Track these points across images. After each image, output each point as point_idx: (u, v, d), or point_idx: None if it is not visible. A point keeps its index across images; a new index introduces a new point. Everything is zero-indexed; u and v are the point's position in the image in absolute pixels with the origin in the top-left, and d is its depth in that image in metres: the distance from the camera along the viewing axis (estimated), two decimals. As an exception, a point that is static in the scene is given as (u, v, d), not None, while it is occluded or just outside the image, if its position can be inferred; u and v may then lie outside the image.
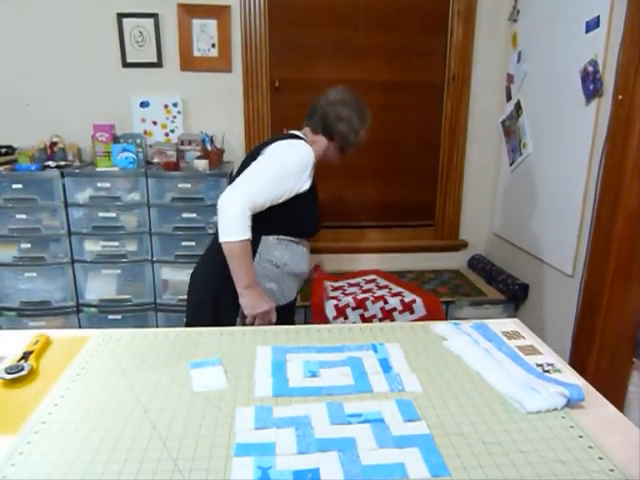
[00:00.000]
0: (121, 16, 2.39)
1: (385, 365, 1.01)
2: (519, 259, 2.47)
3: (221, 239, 1.40)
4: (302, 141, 1.57)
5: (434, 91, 2.68)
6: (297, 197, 1.50)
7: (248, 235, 1.40)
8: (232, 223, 1.39)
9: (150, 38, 2.43)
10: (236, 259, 1.41)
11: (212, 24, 2.44)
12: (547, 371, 0.99)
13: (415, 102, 2.69)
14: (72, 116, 2.46)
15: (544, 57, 2.20)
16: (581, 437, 0.80)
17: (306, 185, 1.51)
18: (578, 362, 1.90)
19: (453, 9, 2.56)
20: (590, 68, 1.85)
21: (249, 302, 1.43)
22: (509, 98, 2.52)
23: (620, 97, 1.72)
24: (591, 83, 1.86)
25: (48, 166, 2.24)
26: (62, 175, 2.20)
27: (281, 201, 1.47)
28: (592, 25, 1.85)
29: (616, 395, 1.84)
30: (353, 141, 1.65)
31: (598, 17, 1.82)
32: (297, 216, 1.54)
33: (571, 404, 0.88)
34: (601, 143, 1.82)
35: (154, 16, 2.41)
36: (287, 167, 1.47)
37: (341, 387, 0.93)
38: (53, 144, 2.38)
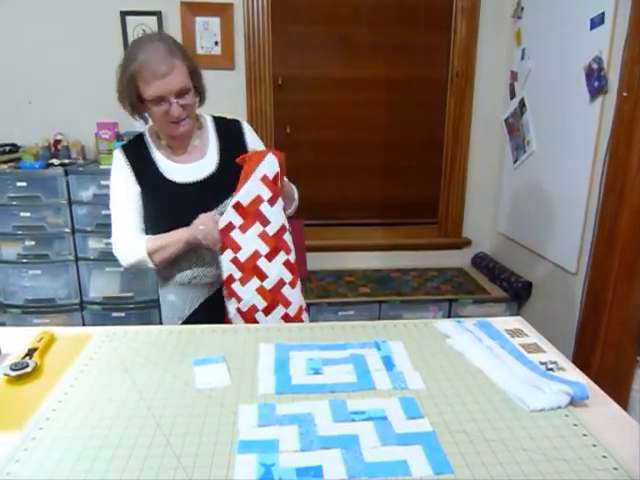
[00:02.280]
0: (124, 14, 2.40)
1: (388, 363, 1.01)
2: (523, 257, 2.46)
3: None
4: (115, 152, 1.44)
5: (437, 88, 2.67)
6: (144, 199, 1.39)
7: (140, 253, 1.34)
8: (130, 262, 1.38)
9: (153, 36, 2.43)
10: (160, 254, 1.34)
11: (215, 22, 2.44)
12: (550, 369, 0.99)
13: (418, 99, 2.69)
14: (75, 114, 2.46)
15: (548, 54, 2.19)
16: (585, 435, 0.80)
17: (129, 187, 1.38)
18: (582, 360, 1.89)
19: (457, 6, 2.55)
20: (595, 65, 1.85)
21: (202, 235, 1.30)
22: (513, 95, 2.51)
23: (625, 94, 1.71)
24: (596, 80, 1.85)
25: (52, 164, 2.24)
26: (66, 173, 2.20)
27: (133, 213, 1.39)
28: (597, 22, 1.84)
29: (620, 393, 1.84)
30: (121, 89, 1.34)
31: (603, 14, 1.80)
32: (151, 216, 1.40)
33: (575, 402, 0.88)
34: (605, 140, 1.81)
35: (157, 14, 2.41)
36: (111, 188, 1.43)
37: (344, 384, 0.93)
38: (57, 142, 2.39)
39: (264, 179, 1.31)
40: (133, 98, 1.32)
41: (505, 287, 2.48)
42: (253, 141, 1.50)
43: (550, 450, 0.77)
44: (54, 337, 1.12)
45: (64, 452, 0.76)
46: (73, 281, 2.30)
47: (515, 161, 2.50)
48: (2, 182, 2.19)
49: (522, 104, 2.41)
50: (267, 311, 1.34)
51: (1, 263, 2.27)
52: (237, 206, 1.30)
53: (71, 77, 2.44)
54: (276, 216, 1.33)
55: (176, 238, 1.33)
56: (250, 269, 1.32)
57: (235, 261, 1.31)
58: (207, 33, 2.45)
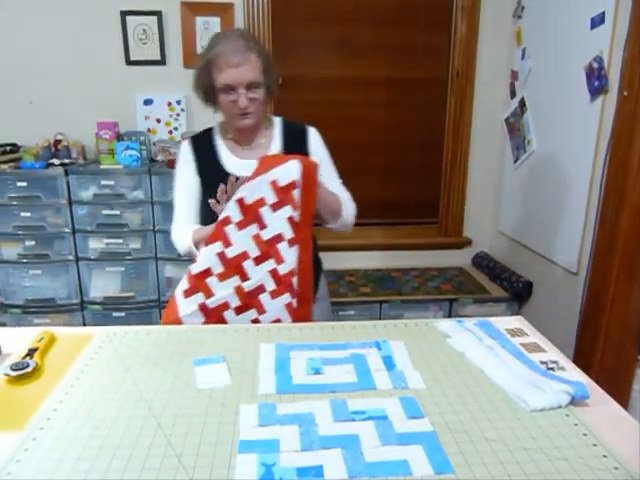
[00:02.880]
0: (125, 14, 2.40)
1: (388, 362, 1.01)
2: (523, 257, 2.46)
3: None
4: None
5: (438, 88, 2.67)
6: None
7: (187, 243, 1.39)
8: (180, 251, 1.44)
9: (154, 36, 2.43)
10: (198, 241, 1.37)
11: (215, 22, 2.44)
12: (551, 369, 0.99)
13: (418, 99, 2.69)
14: (76, 114, 2.47)
15: (549, 54, 2.18)
16: (585, 435, 0.80)
17: (190, 178, 1.45)
18: (582, 360, 1.89)
19: (457, 5, 2.55)
20: (595, 64, 1.84)
21: None
22: (513, 95, 2.51)
23: (625, 93, 1.71)
24: (596, 80, 1.85)
25: (52, 164, 2.24)
26: (66, 173, 2.21)
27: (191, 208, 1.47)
28: (597, 21, 1.84)
29: (621, 393, 1.84)
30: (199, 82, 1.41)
31: (603, 13, 1.80)
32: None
33: (575, 402, 0.88)
34: (606, 140, 1.81)
35: (157, 14, 2.41)
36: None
37: (344, 384, 0.93)
38: (57, 142, 2.39)
39: (273, 183, 1.28)
40: (207, 85, 1.38)
41: (506, 287, 2.48)
42: (316, 148, 1.49)
43: (551, 450, 0.76)
44: (54, 337, 1.11)
45: (65, 452, 0.76)
46: (73, 281, 2.30)
47: (515, 161, 2.50)
48: (2, 182, 2.19)
49: (522, 104, 2.41)
50: (239, 311, 1.30)
51: (1, 263, 2.27)
52: (240, 201, 1.28)
53: (71, 77, 2.44)
54: (276, 223, 1.29)
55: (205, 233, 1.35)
56: (234, 267, 1.29)
57: (221, 256, 1.28)
58: (207, 33, 2.45)
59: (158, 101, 2.49)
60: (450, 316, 2.43)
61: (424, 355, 1.05)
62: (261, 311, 1.32)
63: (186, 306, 1.29)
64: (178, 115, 2.51)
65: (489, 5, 2.55)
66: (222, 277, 1.29)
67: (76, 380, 0.95)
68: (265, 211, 1.28)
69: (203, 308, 1.29)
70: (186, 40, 2.44)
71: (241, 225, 1.28)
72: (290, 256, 1.31)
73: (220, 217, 1.28)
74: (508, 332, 1.14)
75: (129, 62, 2.45)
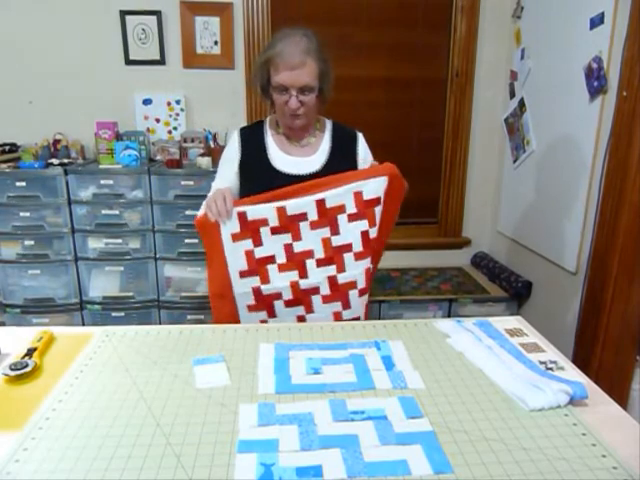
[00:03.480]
0: (124, 13, 2.39)
1: (388, 362, 1.01)
2: (522, 256, 2.46)
3: None
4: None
5: (437, 88, 2.67)
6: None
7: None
8: None
9: (153, 35, 2.43)
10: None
11: (215, 21, 2.44)
12: (550, 368, 0.99)
13: (418, 99, 2.69)
14: (75, 114, 2.46)
15: (548, 54, 2.19)
16: (584, 434, 0.80)
17: (231, 166, 1.47)
18: (581, 360, 1.89)
19: (456, 5, 2.55)
20: (594, 65, 1.85)
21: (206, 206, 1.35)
22: (513, 95, 2.51)
23: (624, 94, 1.71)
24: (595, 80, 1.85)
25: (51, 164, 2.24)
26: (65, 172, 2.20)
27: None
28: (596, 21, 1.84)
29: (620, 393, 1.84)
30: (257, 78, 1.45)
31: (602, 13, 1.80)
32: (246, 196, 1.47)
33: (574, 402, 0.88)
34: (605, 140, 1.81)
35: (157, 13, 2.41)
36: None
37: (344, 384, 0.94)
38: (56, 142, 2.39)
39: (357, 195, 1.31)
40: (264, 81, 1.41)
41: (505, 287, 2.48)
42: (364, 154, 1.54)
43: (550, 449, 0.77)
44: (54, 337, 1.12)
45: (64, 451, 0.76)
46: (73, 281, 2.30)
47: (515, 161, 2.51)
48: (2, 182, 2.19)
49: (522, 104, 2.41)
50: (288, 304, 1.34)
51: (1, 263, 2.27)
52: (320, 203, 1.30)
53: (71, 77, 2.44)
54: (348, 233, 1.32)
55: None
56: (296, 262, 1.32)
57: (288, 248, 1.31)
58: (207, 33, 2.45)
59: (157, 101, 2.49)
60: (449, 316, 2.43)
61: (423, 355, 1.05)
62: (309, 310, 1.35)
63: (240, 286, 1.32)
64: (177, 115, 2.51)
65: (489, 5, 2.55)
66: (283, 268, 1.32)
67: (75, 380, 0.95)
68: (342, 219, 1.32)
69: (256, 292, 1.32)
70: (185, 40, 2.44)
71: (315, 225, 1.31)
72: (353, 269, 1.34)
73: (294, 212, 1.29)
74: (507, 332, 1.14)
75: (128, 62, 2.45)
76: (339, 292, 1.34)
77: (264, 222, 1.30)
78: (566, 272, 2.08)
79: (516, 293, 2.41)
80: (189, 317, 2.33)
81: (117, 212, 2.25)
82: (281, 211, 1.30)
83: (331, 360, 1.01)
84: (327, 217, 1.30)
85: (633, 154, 1.70)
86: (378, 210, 1.34)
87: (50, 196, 2.21)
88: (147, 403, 0.88)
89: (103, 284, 2.33)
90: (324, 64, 1.39)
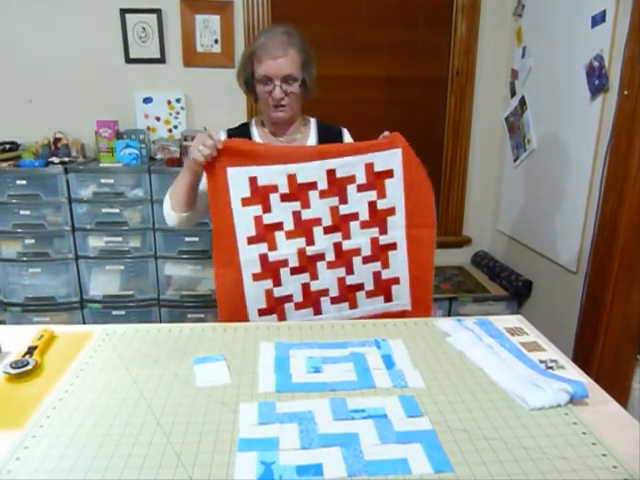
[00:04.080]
0: (124, 12, 2.39)
1: (388, 361, 1.01)
2: (523, 256, 2.46)
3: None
4: None
5: (437, 87, 2.66)
6: None
7: (166, 202, 1.46)
8: (166, 220, 1.49)
9: (153, 34, 2.43)
10: (174, 196, 1.43)
11: (215, 19, 2.44)
12: (550, 367, 0.99)
13: (418, 98, 2.68)
14: (75, 112, 2.46)
15: (549, 52, 2.18)
16: (584, 434, 0.80)
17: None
18: (582, 359, 1.89)
19: (457, 3, 2.54)
20: (595, 63, 1.84)
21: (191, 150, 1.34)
22: (513, 94, 2.51)
23: (626, 92, 1.71)
24: (596, 78, 1.84)
25: (52, 162, 2.24)
26: (66, 171, 2.20)
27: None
28: (598, 20, 1.84)
29: (620, 392, 1.84)
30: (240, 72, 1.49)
31: (604, 12, 1.80)
32: None
33: (574, 401, 0.88)
34: (606, 139, 1.81)
35: (157, 12, 2.40)
36: None
37: (344, 383, 0.94)
38: (57, 140, 2.39)
39: (368, 166, 1.33)
40: (248, 75, 1.45)
41: (505, 286, 2.48)
42: None
43: (550, 448, 0.77)
44: (54, 335, 1.12)
45: (64, 450, 0.76)
46: (73, 279, 2.30)
47: (515, 159, 2.50)
48: (2, 180, 2.19)
49: (522, 102, 2.41)
50: (294, 271, 1.34)
51: (1, 261, 2.27)
52: (330, 172, 1.32)
53: (71, 75, 2.44)
54: (355, 202, 1.35)
55: (179, 180, 1.40)
56: (304, 229, 1.32)
57: (296, 215, 1.31)
58: (207, 31, 2.45)
59: (158, 99, 2.49)
60: (450, 315, 2.43)
61: (424, 354, 1.05)
62: (314, 277, 1.36)
63: (247, 252, 1.32)
64: (178, 113, 2.51)
65: (489, 4, 2.54)
66: (290, 235, 1.33)
67: (76, 378, 0.95)
68: (351, 189, 1.34)
69: (263, 259, 1.32)
70: (186, 38, 2.43)
71: (324, 194, 1.33)
72: (358, 237, 1.36)
73: (303, 180, 1.30)
74: (508, 331, 1.14)
75: (129, 60, 2.45)
76: (343, 258, 1.36)
77: (274, 188, 1.31)
78: (566, 271, 2.08)
79: (516, 292, 2.41)
80: (189, 316, 2.33)
81: (117, 211, 2.25)
82: (291, 179, 1.31)
83: (331, 359, 1.01)
84: (337, 186, 1.33)
85: (634, 153, 1.70)
86: (390, 182, 1.37)
87: (50, 195, 2.21)
88: (147, 402, 0.88)
89: (103, 283, 2.33)
90: (306, 55, 1.43)
